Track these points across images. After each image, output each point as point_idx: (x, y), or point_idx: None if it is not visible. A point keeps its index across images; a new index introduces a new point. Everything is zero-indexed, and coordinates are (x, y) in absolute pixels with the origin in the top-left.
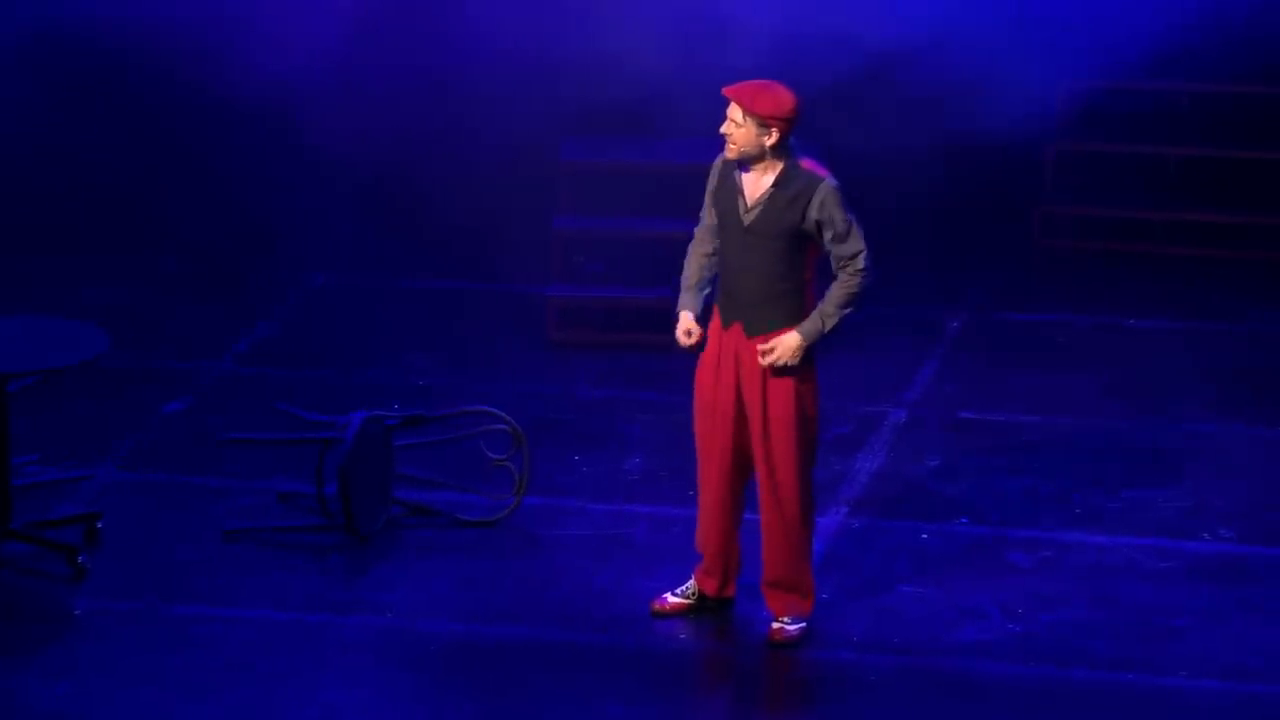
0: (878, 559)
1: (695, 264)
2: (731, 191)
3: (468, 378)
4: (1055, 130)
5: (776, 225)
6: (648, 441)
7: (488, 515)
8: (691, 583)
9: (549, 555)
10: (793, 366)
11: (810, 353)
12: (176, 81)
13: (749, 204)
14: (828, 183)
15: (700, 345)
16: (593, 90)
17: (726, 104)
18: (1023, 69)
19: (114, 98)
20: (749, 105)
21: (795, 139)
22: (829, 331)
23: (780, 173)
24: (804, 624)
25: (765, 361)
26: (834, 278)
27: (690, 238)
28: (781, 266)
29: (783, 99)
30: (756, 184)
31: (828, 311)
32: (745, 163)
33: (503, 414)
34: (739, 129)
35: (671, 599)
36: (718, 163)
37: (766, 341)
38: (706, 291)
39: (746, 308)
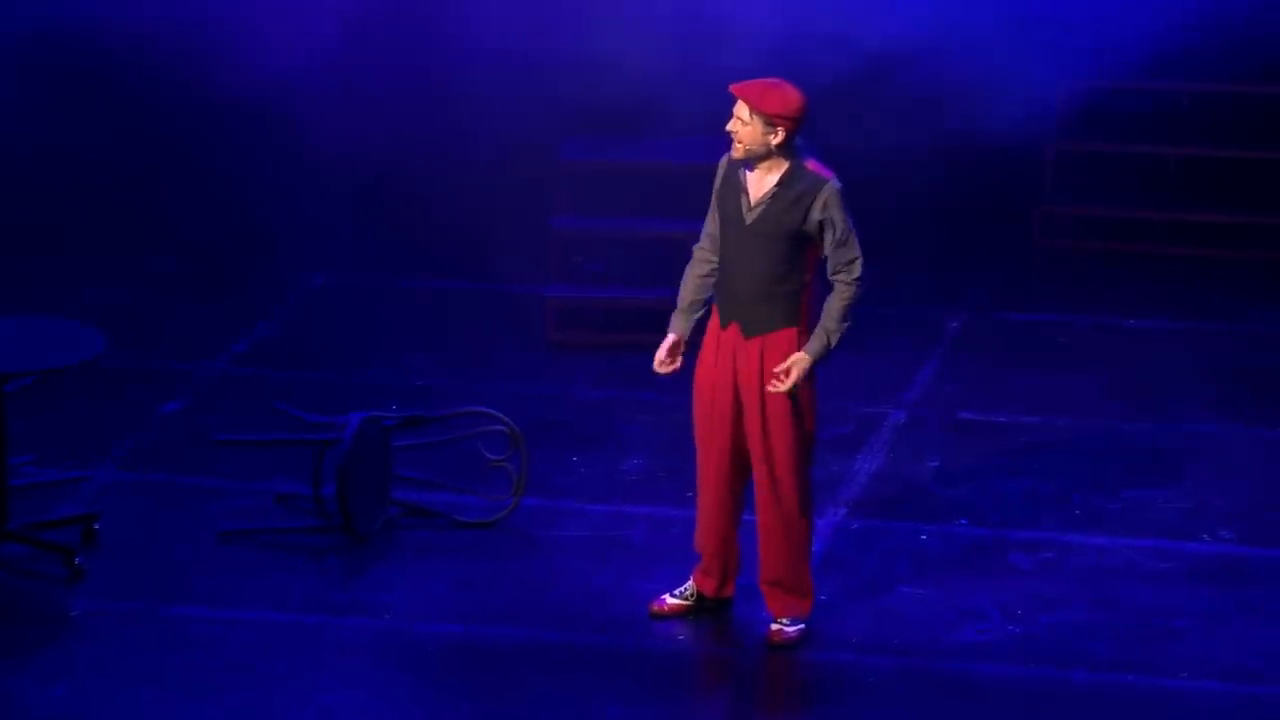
0: (877, 560)
1: (691, 285)
2: (735, 190)
3: (466, 378)
4: (1055, 130)
5: (779, 225)
6: (646, 442)
7: (486, 516)
8: (690, 584)
9: (547, 556)
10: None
11: None
12: (175, 82)
13: (752, 202)
14: (832, 184)
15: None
16: (591, 90)
17: (727, 103)
18: (1023, 69)
19: (112, 98)
20: (756, 103)
21: (801, 139)
22: (835, 347)
23: (785, 172)
24: (803, 625)
25: (781, 388)
26: (829, 284)
27: (690, 239)
28: (783, 267)
29: (790, 98)
30: (761, 183)
31: (830, 328)
32: (750, 161)
33: (501, 415)
34: (745, 127)
35: (670, 600)
36: (723, 161)
37: (764, 342)
38: (700, 314)
39: (745, 307)
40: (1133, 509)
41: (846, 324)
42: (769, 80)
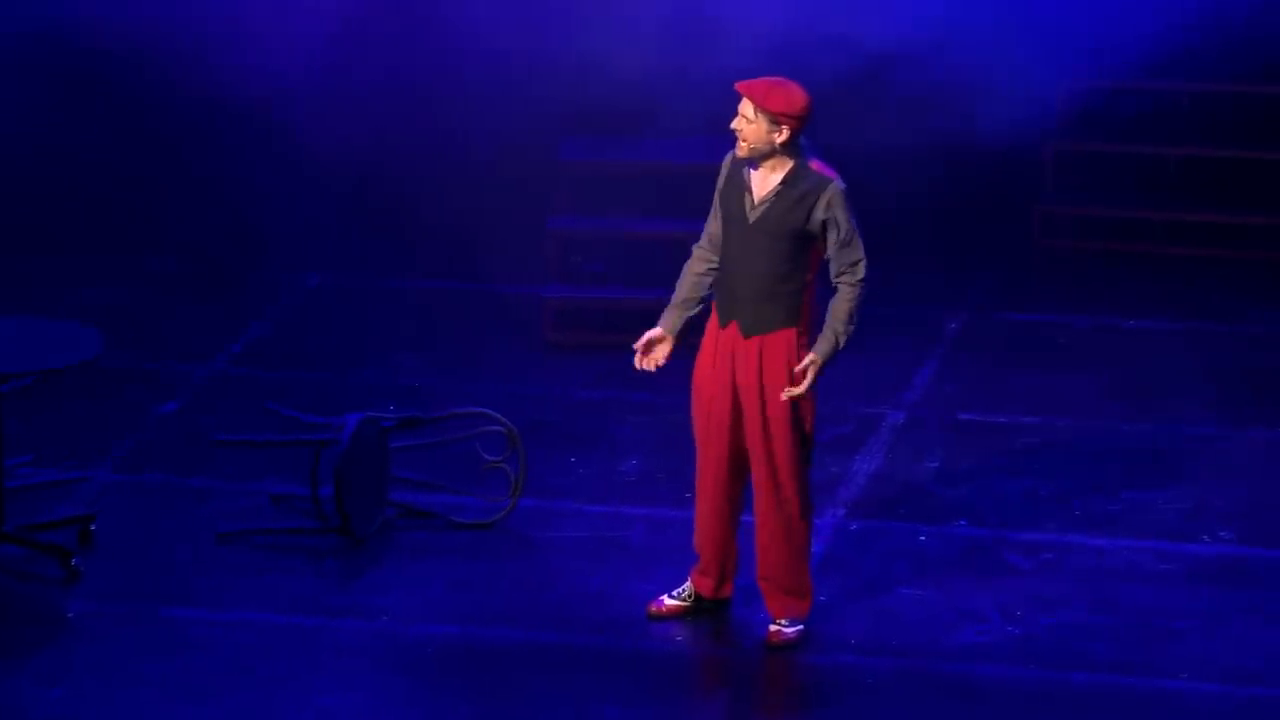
0: (876, 561)
1: (687, 282)
2: (739, 188)
3: (463, 379)
4: (1055, 130)
5: (782, 224)
6: (644, 443)
7: (483, 517)
8: (688, 585)
9: (545, 557)
10: (790, 365)
11: (808, 350)
12: (172, 83)
13: (756, 201)
14: (836, 184)
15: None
16: (589, 90)
17: (726, 103)
18: (1023, 69)
19: (109, 100)
20: (761, 101)
21: (806, 138)
22: (842, 348)
23: (789, 171)
24: (802, 626)
25: (796, 393)
26: (832, 285)
27: (689, 239)
28: (785, 266)
29: (795, 96)
30: (765, 181)
31: (838, 329)
32: (755, 160)
33: (498, 416)
34: (750, 125)
35: (668, 601)
36: (727, 159)
37: (764, 342)
38: (693, 312)
39: (746, 306)
40: (1133, 510)
41: (853, 325)
42: (774, 79)
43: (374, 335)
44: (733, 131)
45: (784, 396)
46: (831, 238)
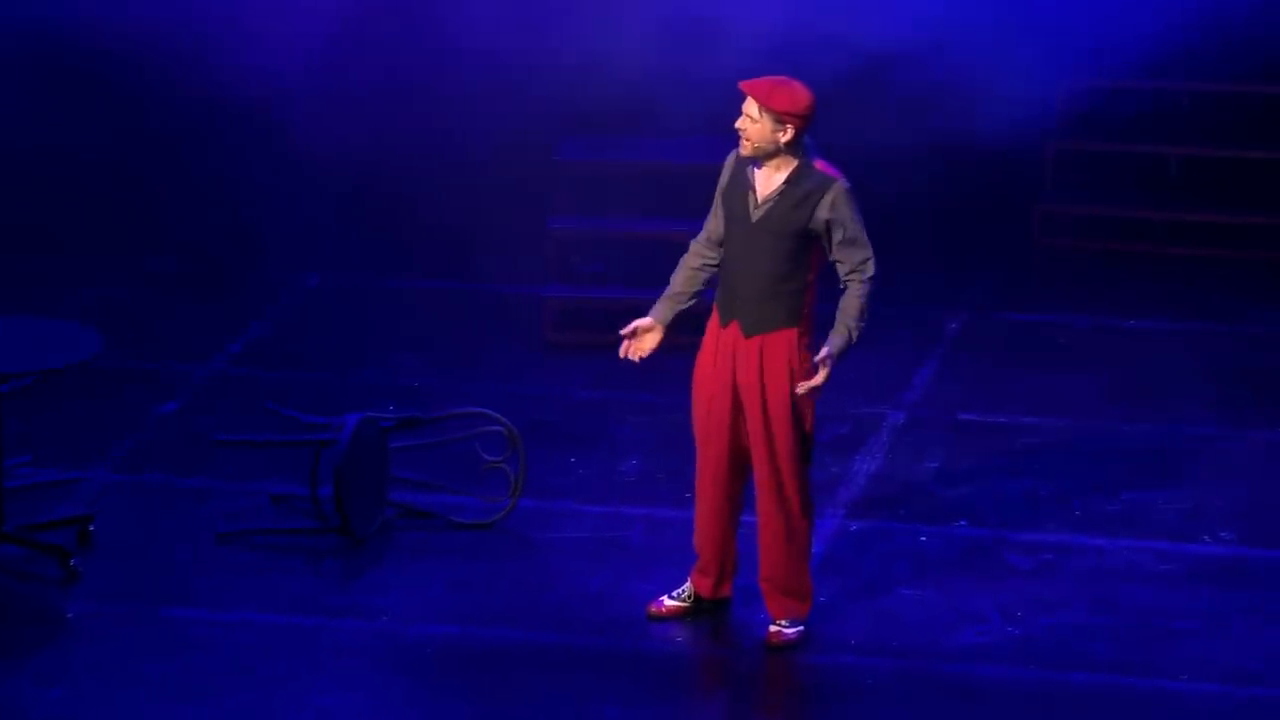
0: (876, 562)
1: (681, 275)
2: (742, 187)
3: (463, 379)
4: (1055, 130)
5: (785, 223)
6: (644, 443)
7: (483, 518)
8: (687, 585)
9: (544, 558)
10: (791, 365)
11: (809, 350)
12: (171, 83)
13: (759, 200)
14: (840, 184)
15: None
16: (588, 90)
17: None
18: (1023, 68)
19: (108, 99)
20: (765, 100)
21: (810, 138)
22: (854, 344)
23: (793, 170)
24: (802, 627)
25: (811, 386)
26: (840, 285)
27: (689, 238)
28: (787, 266)
29: (799, 95)
30: (768, 181)
31: (851, 325)
32: (758, 159)
33: (498, 416)
34: (754, 124)
35: (668, 602)
36: (730, 158)
37: (764, 342)
38: (685, 306)
39: (747, 306)
40: (1133, 510)
41: (864, 321)
42: (778, 78)
43: (374, 335)
44: (736, 131)
45: (800, 390)
46: (836, 237)
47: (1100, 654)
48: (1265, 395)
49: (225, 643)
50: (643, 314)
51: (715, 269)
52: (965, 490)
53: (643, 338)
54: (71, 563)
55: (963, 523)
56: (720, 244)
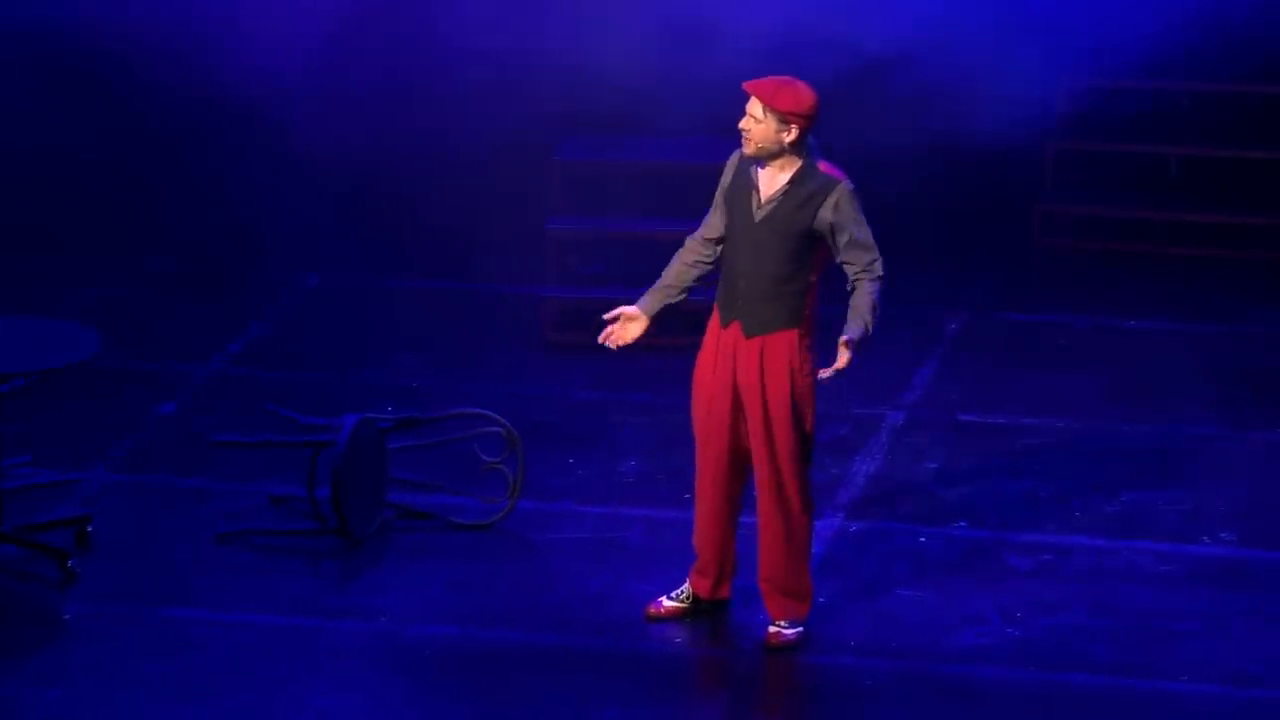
0: (876, 562)
1: (673, 269)
2: (746, 187)
3: (462, 380)
4: (1055, 130)
5: (789, 223)
6: (643, 444)
7: (482, 518)
8: (686, 586)
9: (543, 559)
10: (792, 366)
11: (810, 351)
12: (170, 83)
13: (763, 200)
14: (844, 185)
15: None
16: (588, 90)
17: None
18: (1023, 69)
19: (108, 99)
20: (769, 100)
21: (813, 138)
22: (870, 337)
23: (797, 171)
24: (801, 628)
25: (837, 368)
26: (848, 286)
27: (688, 237)
28: (790, 266)
29: (803, 96)
30: (772, 181)
31: (867, 318)
32: (762, 160)
33: (497, 416)
34: (758, 124)
35: (667, 603)
36: (733, 159)
37: (765, 343)
38: (673, 300)
39: (749, 306)
40: (1133, 511)
41: (877, 316)
42: (782, 78)
43: (373, 336)
44: (738, 131)
45: (823, 375)
46: (842, 240)
47: (1100, 655)
48: (1265, 396)
49: (224, 644)
50: None
51: (708, 267)
52: (965, 491)
53: (625, 326)
54: (70, 563)
55: (962, 523)
56: (717, 243)
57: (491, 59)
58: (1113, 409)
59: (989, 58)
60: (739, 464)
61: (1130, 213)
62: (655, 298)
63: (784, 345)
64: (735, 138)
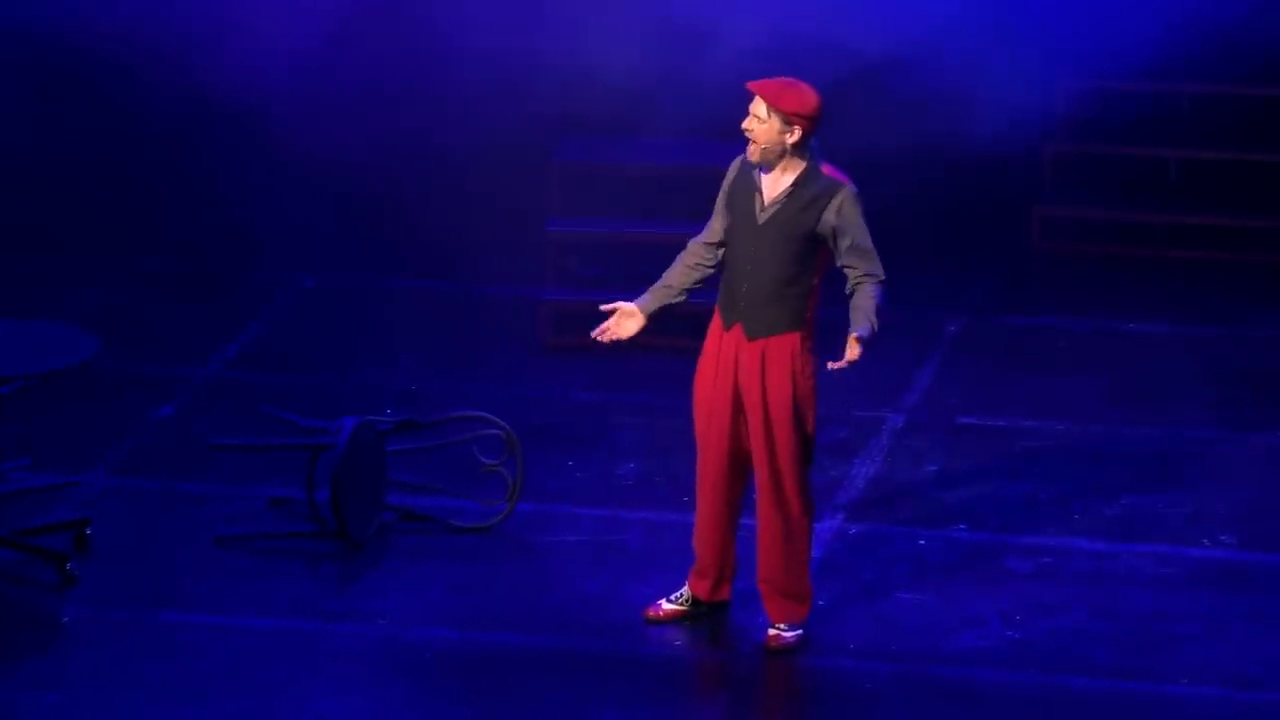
0: (875, 565)
1: (676, 270)
2: (749, 190)
3: (460, 382)
4: (1055, 133)
5: (793, 226)
6: (642, 446)
7: (481, 521)
8: (685, 589)
9: (543, 561)
10: (793, 368)
11: (811, 354)
12: (168, 85)
13: (766, 202)
14: (848, 188)
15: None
16: (587, 91)
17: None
18: (1022, 71)
19: (102, 101)
20: (774, 101)
21: (817, 141)
22: (875, 337)
23: (801, 173)
24: (801, 631)
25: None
26: (847, 290)
27: (687, 241)
28: (793, 269)
29: (807, 97)
30: (776, 183)
31: (872, 319)
32: (765, 163)
33: (496, 419)
34: (761, 125)
35: (666, 605)
36: (736, 161)
37: (767, 345)
38: (672, 301)
39: (752, 309)
40: (1133, 514)
41: (879, 319)
42: (786, 79)
43: (371, 338)
44: (734, 134)
45: (831, 367)
46: (844, 244)
47: (1100, 658)
48: (1265, 398)
49: (223, 647)
50: None
51: (710, 271)
52: (965, 494)
53: (621, 322)
54: (68, 567)
55: (962, 526)
56: (719, 247)
57: (490, 60)
58: (1113, 412)
59: (988, 61)
60: (740, 467)
61: (1130, 216)
62: (654, 297)
63: (786, 348)
64: (735, 140)
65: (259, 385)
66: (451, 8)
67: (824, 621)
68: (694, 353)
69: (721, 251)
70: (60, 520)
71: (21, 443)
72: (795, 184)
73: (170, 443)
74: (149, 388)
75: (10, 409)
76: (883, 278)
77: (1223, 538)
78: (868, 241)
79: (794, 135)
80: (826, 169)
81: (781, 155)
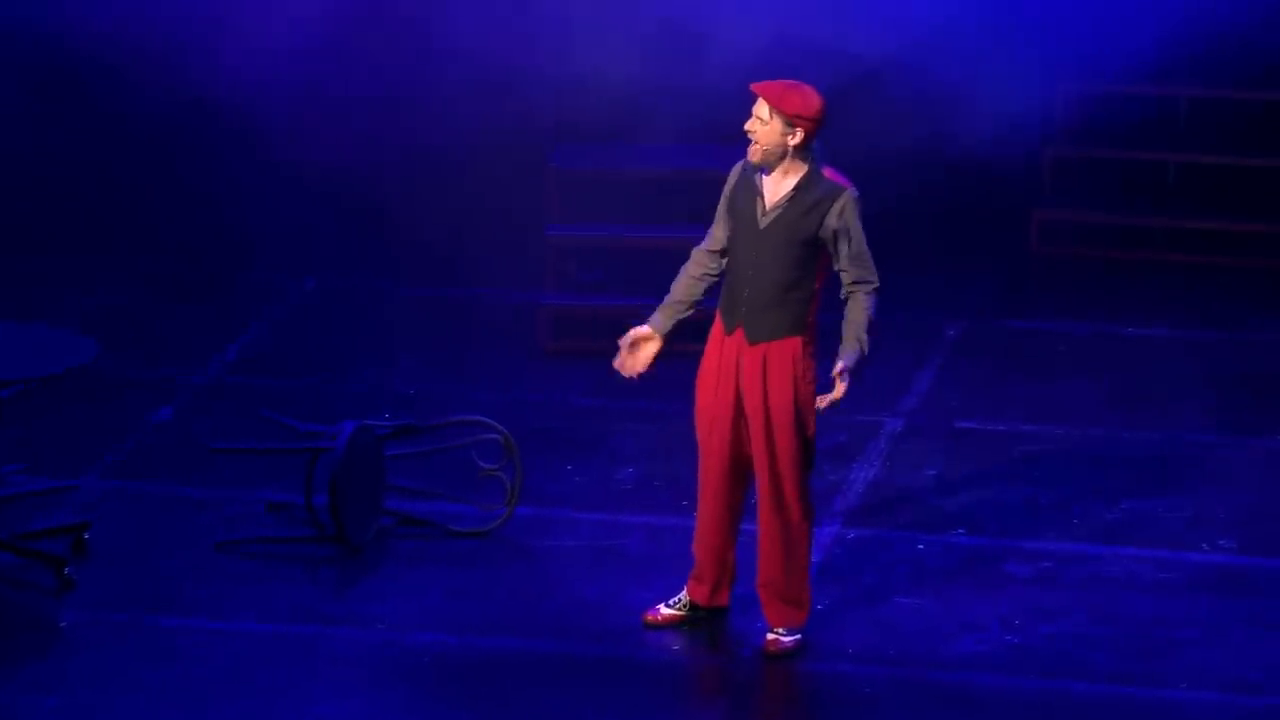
0: (874, 570)
1: (681, 284)
2: (751, 193)
3: (459, 386)
4: (1054, 137)
5: (795, 230)
6: (641, 451)
7: (480, 526)
8: (684, 594)
9: (542, 566)
10: (795, 373)
11: (812, 359)
12: (166, 87)
13: (768, 206)
14: (850, 192)
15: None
16: (585, 97)
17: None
18: (1021, 75)
19: (100, 105)
20: (776, 102)
21: (819, 144)
22: (866, 358)
23: (803, 176)
24: (799, 635)
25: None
26: (842, 295)
27: (686, 245)
28: (795, 273)
29: (810, 99)
30: (778, 187)
31: (863, 339)
32: (767, 165)
33: (495, 423)
34: (763, 126)
35: (664, 610)
36: (737, 167)
37: (768, 350)
38: (684, 315)
39: (753, 313)
40: (1132, 518)
41: (872, 334)
42: (789, 81)
43: (370, 342)
44: (733, 138)
45: (820, 405)
46: (844, 248)
47: (1099, 663)
48: (1265, 402)
49: (222, 651)
50: (641, 321)
51: (715, 279)
52: (964, 498)
53: (640, 349)
54: (66, 571)
55: (961, 531)
56: (722, 254)
57: (488, 65)
58: (1112, 416)
59: (988, 64)
60: (741, 472)
61: (1129, 219)
62: (665, 315)
63: (788, 352)
64: (733, 144)
65: (258, 389)
66: (451, 12)
67: (823, 626)
68: (694, 357)
69: (726, 259)
70: (59, 524)
71: (20, 446)
72: (797, 188)
73: (169, 446)
74: (148, 391)
75: (9, 412)
76: (877, 285)
77: (1222, 542)
78: (864, 247)
79: (796, 137)
80: (828, 172)
81: (783, 157)
